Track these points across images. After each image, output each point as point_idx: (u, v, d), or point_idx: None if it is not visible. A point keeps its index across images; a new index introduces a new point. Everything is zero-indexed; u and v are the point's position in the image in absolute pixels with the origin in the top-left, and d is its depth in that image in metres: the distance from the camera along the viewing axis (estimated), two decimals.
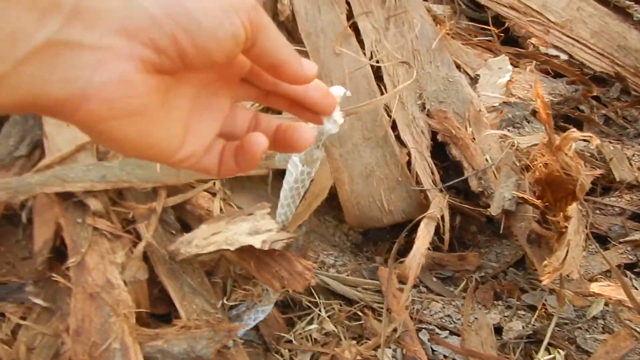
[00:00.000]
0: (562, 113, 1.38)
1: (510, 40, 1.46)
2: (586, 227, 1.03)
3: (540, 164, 0.80)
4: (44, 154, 1.11)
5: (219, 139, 0.44)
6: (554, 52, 1.33)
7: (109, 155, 1.07)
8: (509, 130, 1.23)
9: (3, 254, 1.09)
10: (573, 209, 0.81)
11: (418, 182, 1.10)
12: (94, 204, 1.01)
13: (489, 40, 1.45)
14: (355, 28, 1.25)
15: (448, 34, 1.31)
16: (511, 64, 1.37)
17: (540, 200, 0.90)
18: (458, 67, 1.28)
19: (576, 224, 0.84)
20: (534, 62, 1.38)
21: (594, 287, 0.84)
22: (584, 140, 1.33)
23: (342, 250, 1.19)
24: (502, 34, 1.45)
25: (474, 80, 1.27)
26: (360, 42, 1.23)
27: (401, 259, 1.13)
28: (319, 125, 0.48)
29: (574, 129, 0.78)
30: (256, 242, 0.94)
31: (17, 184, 0.97)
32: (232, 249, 0.95)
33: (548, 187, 0.83)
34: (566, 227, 0.81)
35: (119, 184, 1.03)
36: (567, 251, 0.82)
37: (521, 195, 0.95)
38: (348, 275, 1.11)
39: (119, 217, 1.05)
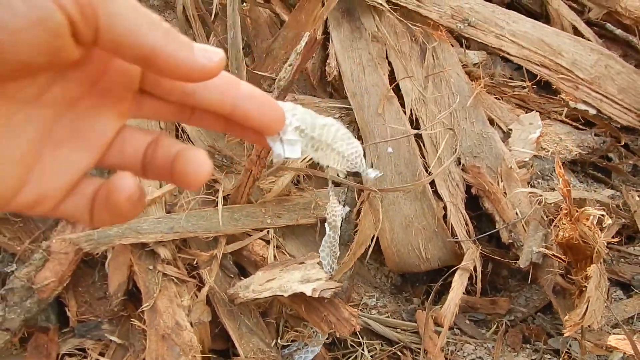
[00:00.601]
0: (591, 161, 1.46)
1: (541, 84, 1.54)
2: (607, 279, 1.11)
3: (561, 230, 0.90)
4: None
5: (93, 177, 0.34)
6: (582, 107, 1.41)
7: (176, 208, 1.20)
8: (538, 182, 1.32)
9: (81, 294, 1.23)
10: (593, 269, 0.90)
11: (453, 234, 1.20)
12: (164, 252, 1.14)
13: (522, 88, 1.54)
14: (396, 85, 1.36)
15: (483, 88, 1.41)
16: (542, 113, 1.46)
17: (564, 257, 0.99)
18: (491, 121, 1.37)
19: (597, 280, 0.93)
20: (565, 109, 1.45)
21: (611, 340, 0.93)
22: (610, 188, 1.41)
23: (383, 292, 1.29)
24: (534, 85, 1.53)
25: (506, 135, 1.36)
26: (400, 96, 1.34)
27: (438, 302, 1.24)
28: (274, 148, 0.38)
29: (589, 207, 0.87)
30: (307, 289, 1.05)
31: (98, 235, 1.11)
32: (285, 295, 1.07)
33: (569, 250, 0.92)
34: (586, 286, 0.90)
35: (185, 234, 1.16)
36: (587, 307, 0.91)
37: (547, 252, 1.04)
38: (388, 317, 1.21)
39: (184, 262, 1.18)
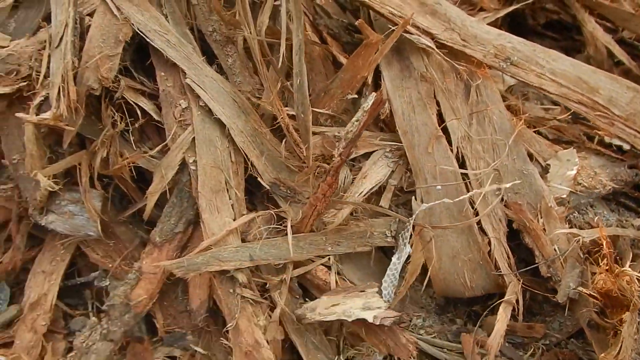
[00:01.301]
0: (623, 192, 1.58)
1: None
2: None
3: (600, 280, 1.04)
4: (196, 229, 1.42)
5: None
6: (617, 142, 1.53)
7: (249, 237, 1.36)
8: (574, 216, 1.45)
9: (166, 307, 1.41)
10: (628, 315, 1.05)
11: (496, 266, 1.34)
12: (241, 277, 1.31)
13: (559, 121, 1.65)
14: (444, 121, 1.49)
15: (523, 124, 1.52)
16: (576, 142, 1.58)
17: (600, 299, 1.13)
18: (530, 156, 1.49)
19: (631, 325, 1.07)
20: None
21: None
22: None
23: (428, 312, 1.45)
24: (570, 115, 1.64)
25: (544, 169, 1.49)
26: (447, 133, 1.47)
27: (480, 322, 1.38)
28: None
29: (628, 268, 1.01)
30: (369, 316, 1.22)
31: (188, 263, 1.28)
32: (349, 320, 1.23)
33: (606, 297, 1.06)
34: (620, 329, 1.05)
35: (260, 261, 1.32)
36: (621, 347, 1.06)
37: (584, 291, 1.18)
38: (435, 337, 1.37)
39: (257, 285, 1.35)
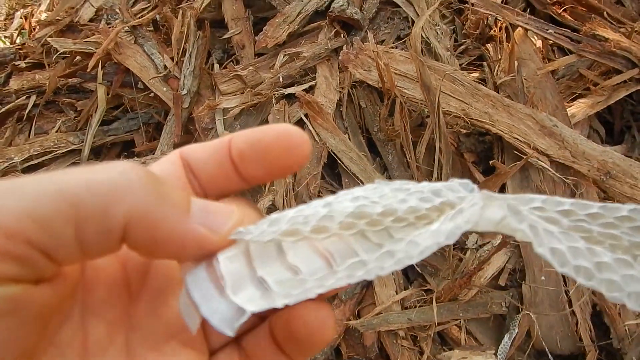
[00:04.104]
0: None
1: None
2: None
3: None
4: (368, 290, 2.09)
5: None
6: None
7: (410, 303, 2.01)
8: None
9: (348, 340, 2.13)
10: None
11: (580, 339, 1.92)
12: (401, 332, 1.99)
13: None
14: None
15: None
16: None
17: None
18: None
19: None
20: None
21: None
22: None
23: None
24: None
25: None
26: None
27: None
28: None
29: None
30: None
31: (367, 323, 1.97)
32: None
33: None
34: None
35: (414, 323, 1.98)
36: None
37: None
38: None
39: (411, 337, 2.02)
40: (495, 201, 0.30)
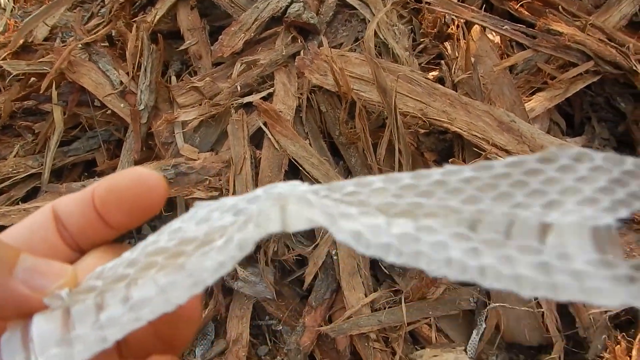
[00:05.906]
0: None
1: None
2: None
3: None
4: (337, 295, 2.09)
5: None
6: None
7: (379, 304, 2.02)
8: None
9: (321, 346, 2.13)
10: None
11: (547, 330, 1.95)
12: (372, 335, 1.99)
13: None
14: None
15: None
16: None
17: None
18: None
19: None
20: None
21: None
22: None
23: (500, 350, 2.09)
24: None
25: None
26: None
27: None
28: None
29: None
30: None
31: (338, 328, 1.97)
32: None
33: None
34: None
35: (384, 324, 1.99)
36: None
37: (607, 355, 1.78)
38: None
39: (382, 338, 2.03)
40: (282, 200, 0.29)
